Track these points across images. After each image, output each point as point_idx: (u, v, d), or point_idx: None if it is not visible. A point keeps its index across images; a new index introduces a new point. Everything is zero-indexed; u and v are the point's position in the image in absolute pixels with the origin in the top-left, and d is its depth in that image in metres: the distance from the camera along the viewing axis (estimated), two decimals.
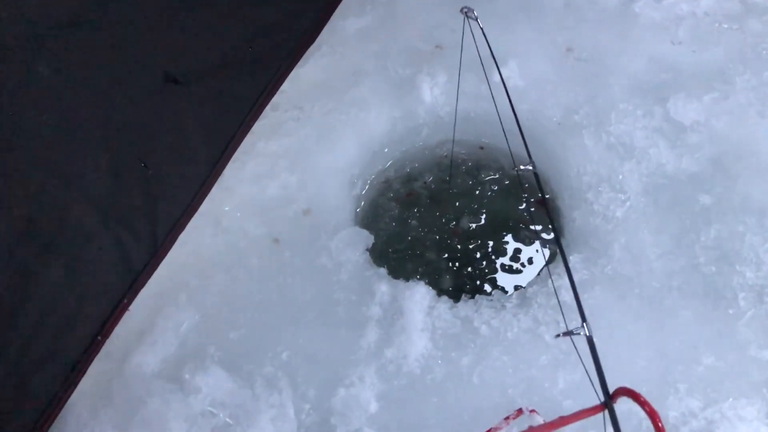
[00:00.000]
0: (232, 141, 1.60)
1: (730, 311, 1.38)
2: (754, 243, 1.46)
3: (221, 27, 1.59)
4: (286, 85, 1.74)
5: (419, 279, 1.55)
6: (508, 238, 1.67)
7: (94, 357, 1.34)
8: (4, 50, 1.15)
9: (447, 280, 1.62)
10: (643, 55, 1.78)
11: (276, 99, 1.72)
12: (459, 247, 1.66)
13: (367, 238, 1.55)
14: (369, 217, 1.73)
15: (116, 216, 1.36)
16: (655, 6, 1.85)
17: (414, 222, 1.72)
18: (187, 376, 1.36)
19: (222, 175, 1.56)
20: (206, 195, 1.55)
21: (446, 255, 1.66)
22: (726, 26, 1.80)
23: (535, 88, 1.75)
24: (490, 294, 1.47)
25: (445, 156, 1.78)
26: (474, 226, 1.71)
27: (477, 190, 1.76)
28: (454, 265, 1.64)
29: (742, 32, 1.77)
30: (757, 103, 1.65)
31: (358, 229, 1.57)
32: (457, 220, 1.72)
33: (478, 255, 1.65)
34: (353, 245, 1.53)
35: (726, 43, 1.76)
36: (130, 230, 1.39)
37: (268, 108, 1.71)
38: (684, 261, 1.46)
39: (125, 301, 1.38)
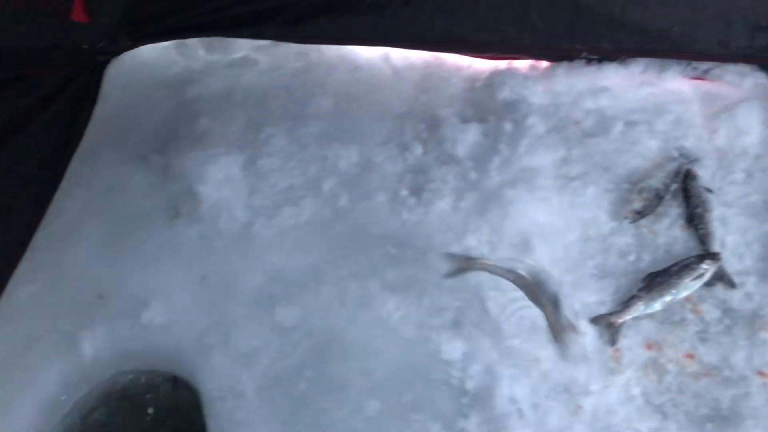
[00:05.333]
0: None
1: None
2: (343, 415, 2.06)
3: None
4: None
5: None
6: None
7: None
8: None
9: None
10: (259, 269, 2.39)
11: None
12: None
13: None
14: None
15: None
16: (268, 224, 2.49)
17: None
18: None
19: None
20: None
21: None
22: (319, 231, 2.46)
23: (177, 321, 2.31)
24: None
25: (119, 389, 2.28)
26: None
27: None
28: None
29: (329, 236, 2.44)
30: (339, 295, 2.30)
31: None
32: None
33: None
34: None
35: (318, 247, 2.42)
36: None
37: None
38: None
39: None
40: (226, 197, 2.54)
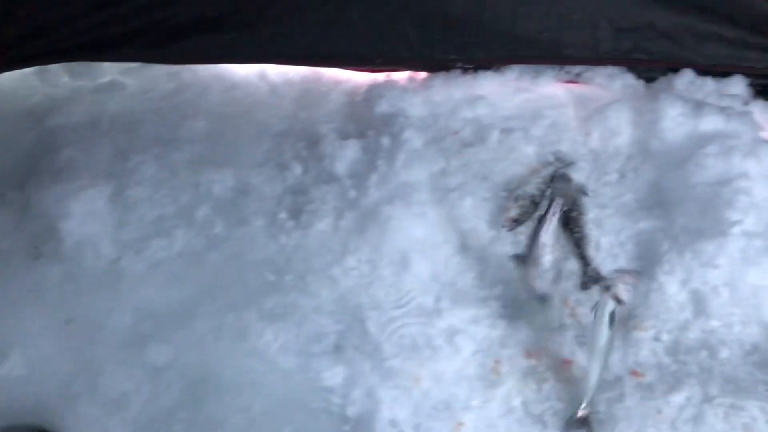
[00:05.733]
0: None
1: None
2: None
3: None
4: None
5: None
6: None
7: None
8: None
9: None
10: (129, 308, 2.29)
11: None
12: None
13: None
14: None
15: None
16: (137, 258, 2.39)
17: None
18: None
19: None
20: None
21: None
22: (193, 262, 2.37)
23: (40, 370, 2.17)
24: None
25: None
26: None
27: None
28: None
29: (203, 267, 2.36)
30: (215, 329, 2.22)
31: None
32: None
33: None
34: None
35: (191, 279, 2.34)
36: None
37: None
38: None
39: None
40: (92, 232, 2.43)
